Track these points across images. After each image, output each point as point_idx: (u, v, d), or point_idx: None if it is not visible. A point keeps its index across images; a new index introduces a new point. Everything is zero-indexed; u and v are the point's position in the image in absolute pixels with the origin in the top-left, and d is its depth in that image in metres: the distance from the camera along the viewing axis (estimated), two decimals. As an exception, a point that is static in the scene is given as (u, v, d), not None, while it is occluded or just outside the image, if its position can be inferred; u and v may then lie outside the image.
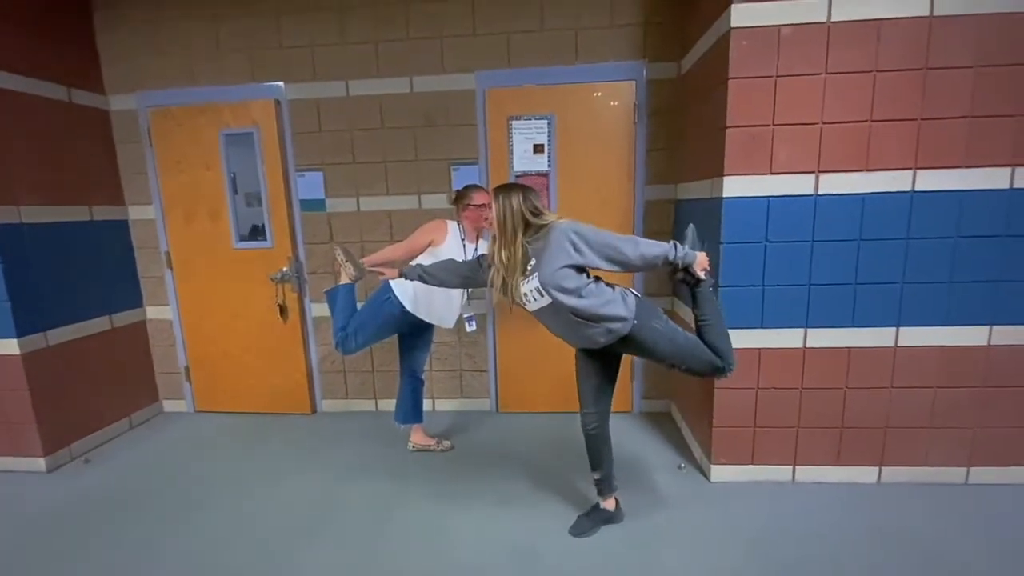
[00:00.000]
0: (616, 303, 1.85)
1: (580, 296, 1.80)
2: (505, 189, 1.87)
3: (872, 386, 2.35)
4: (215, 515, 2.36)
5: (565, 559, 2.00)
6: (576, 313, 1.82)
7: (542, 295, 1.82)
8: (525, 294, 1.85)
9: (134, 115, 3.24)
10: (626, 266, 1.83)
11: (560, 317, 1.87)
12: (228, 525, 2.28)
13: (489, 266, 1.95)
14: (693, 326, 2.01)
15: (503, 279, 1.88)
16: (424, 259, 2.53)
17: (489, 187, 3.06)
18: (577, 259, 1.78)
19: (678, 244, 1.87)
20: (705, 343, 1.93)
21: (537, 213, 1.84)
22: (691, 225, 2.10)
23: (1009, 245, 2.19)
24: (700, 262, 1.91)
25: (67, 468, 2.87)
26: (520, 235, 1.83)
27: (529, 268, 1.84)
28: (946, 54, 2.09)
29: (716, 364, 1.91)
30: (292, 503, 2.43)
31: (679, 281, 1.98)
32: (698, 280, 1.93)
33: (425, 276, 2.16)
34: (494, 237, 1.89)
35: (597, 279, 1.90)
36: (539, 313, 1.91)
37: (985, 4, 2.04)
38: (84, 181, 3.08)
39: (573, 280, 1.79)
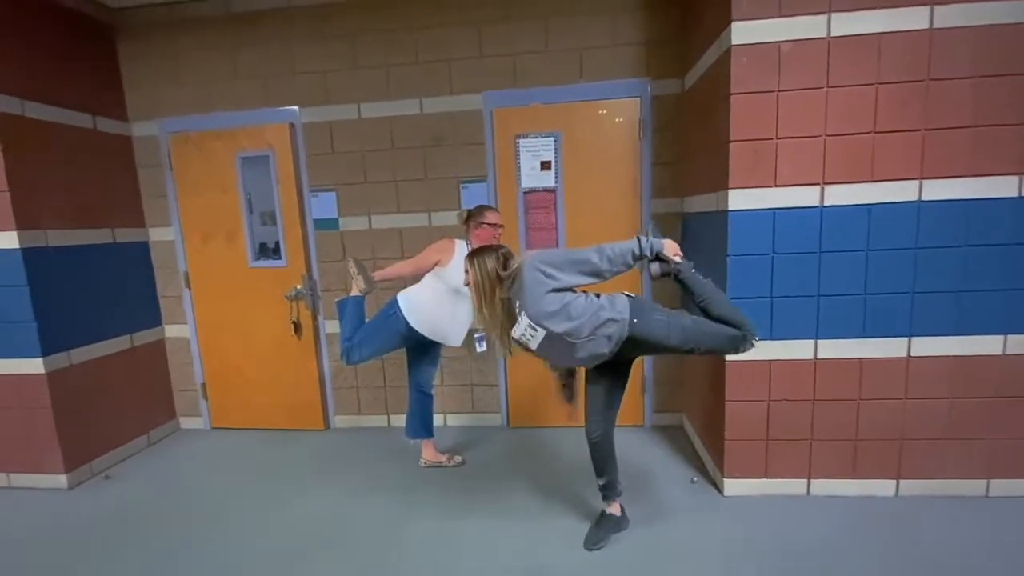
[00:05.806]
0: (604, 309, 1.87)
1: (569, 318, 1.83)
2: (478, 253, 1.97)
3: (886, 397, 2.32)
4: (230, 531, 2.39)
5: (577, 574, 2.00)
6: (570, 335, 1.84)
7: (536, 329, 1.86)
8: (522, 335, 1.91)
9: (155, 141, 3.36)
10: (599, 274, 1.86)
11: (559, 343, 1.88)
12: (243, 541, 2.31)
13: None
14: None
15: (499, 333, 1.95)
16: (430, 278, 2.59)
17: (498, 204, 3.12)
18: (552, 284, 1.83)
19: (641, 237, 1.89)
20: (715, 320, 1.90)
21: (506, 265, 1.93)
22: (652, 220, 2.10)
23: (1018, 253, 2.18)
24: (669, 247, 1.92)
25: (88, 485, 2.92)
26: (498, 292, 1.91)
27: (517, 311, 1.90)
28: (947, 65, 2.10)
29: (735, 335, 1.88)
30: (304, 520, 2.45)
31: (661, 275, 1.96)
32: (677, 266, 1.93)
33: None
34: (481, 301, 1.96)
35: (586, 293, 1.92)
36: (540, 349, 1.93)
37: (984, 16, 2.06)
38: (107, 205, 3.19)
39: (556, 302, 1.83)
